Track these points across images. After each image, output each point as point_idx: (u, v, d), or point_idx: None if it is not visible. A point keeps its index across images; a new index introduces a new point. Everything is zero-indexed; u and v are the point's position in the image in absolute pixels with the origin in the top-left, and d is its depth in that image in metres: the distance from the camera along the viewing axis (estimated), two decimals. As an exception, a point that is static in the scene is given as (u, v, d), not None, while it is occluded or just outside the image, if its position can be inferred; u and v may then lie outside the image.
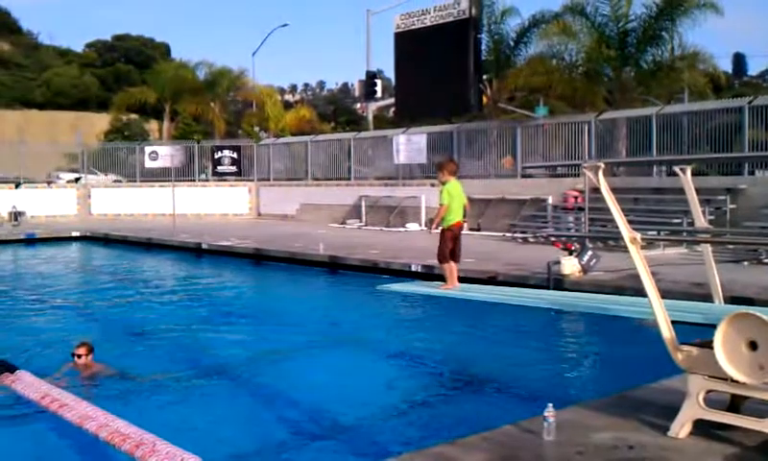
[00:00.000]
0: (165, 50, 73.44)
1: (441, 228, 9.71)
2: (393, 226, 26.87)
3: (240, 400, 8.10)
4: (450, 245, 9.48)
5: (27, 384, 7.41)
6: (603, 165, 5.24)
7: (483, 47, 29.47)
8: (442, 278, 10.09)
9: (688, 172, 6.16)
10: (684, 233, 13.19)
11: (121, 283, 18.40)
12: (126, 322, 13.02)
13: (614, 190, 5.20)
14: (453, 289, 9.46)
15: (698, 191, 6.34)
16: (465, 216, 9.95)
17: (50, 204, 32.00)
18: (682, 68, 26.53)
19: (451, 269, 9.60)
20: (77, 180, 32.73)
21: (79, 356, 8.83)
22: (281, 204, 33.74)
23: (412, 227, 26.25)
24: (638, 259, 5.03)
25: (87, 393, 7.84)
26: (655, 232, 12.84)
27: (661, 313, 5.01)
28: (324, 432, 6.96)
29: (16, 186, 29.77)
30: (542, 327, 11.40)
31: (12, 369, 7.80)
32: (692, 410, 4.87)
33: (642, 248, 5.11)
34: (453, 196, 9.55)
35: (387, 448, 4.99)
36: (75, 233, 27.56)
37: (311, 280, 17.60)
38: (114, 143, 42.85)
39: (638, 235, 5.04)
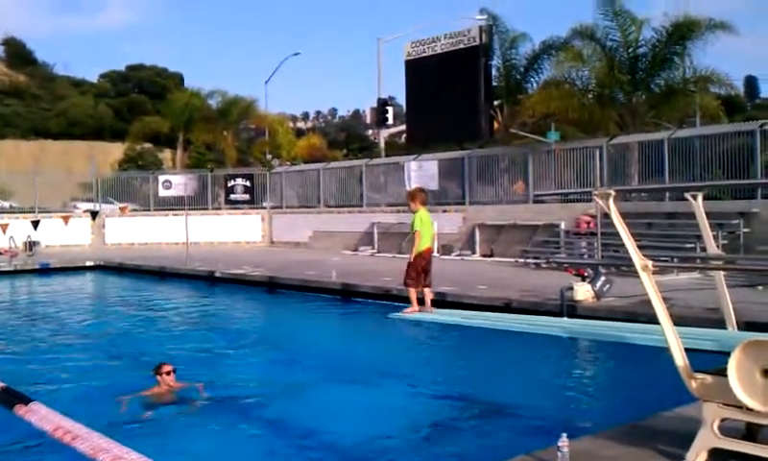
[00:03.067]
0: (179, 80, 74.02)
1: (412, 254, 10.06)
2: (405, 252, 26.80)
3: (253, 430, 8.08)
4: (419, 270, 9.76)
5: (41, 416, 7.42)
6: (614, 193, 5.24)
7: (494, 73, 29.64)
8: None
9: (700, 198, 6.14)
10: (698, 260, 13.12)
11: (134, 313, 18.44)
12: (139, 351, 13.04)
13: (627, 215, 5.20)
14: (418, 313, 9.79)
15: (711, 215, 6.32)
16: (432, 242, 10.36)
17: (64, 233, 32.18)
18: (694, 91, 26.53)
19: (414, 293, 9.89)
20: (94, 215, 32.98)
21: (168, 373, 9.17)
22: (294, 231, 33.82)
23: (424, 253, 26.21)
24: (650, 287, 5.01)
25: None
26: (667, 258, 12.77)
27: (674, 341, 4.98)
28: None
29: (35, 226, 29.99)
30: (555, 356, 11.34)
31: (26, 400, 7.82)
32: (707, 439, 4.83)
33: (654, 273, 5.09)
34: (424, 223, 9.90)
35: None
36: (89, 263, 27.71)
37: (324, 308, 17.60)
38: (128, 172, 43.15)
39: (650, 262, 5.02)
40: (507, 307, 13.74)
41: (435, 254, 24.93)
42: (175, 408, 8.94)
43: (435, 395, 9.45)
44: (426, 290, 10.04)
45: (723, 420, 4.81)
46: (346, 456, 7.15)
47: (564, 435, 4.87)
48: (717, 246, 6.60)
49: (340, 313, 17.31)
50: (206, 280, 22.41)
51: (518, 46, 29.86)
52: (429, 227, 10.15)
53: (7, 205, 37.56)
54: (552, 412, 8.17)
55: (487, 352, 11.55)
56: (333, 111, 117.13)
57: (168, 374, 9.23)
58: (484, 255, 24.98)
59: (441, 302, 14.71)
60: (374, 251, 28.53)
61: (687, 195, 6.27)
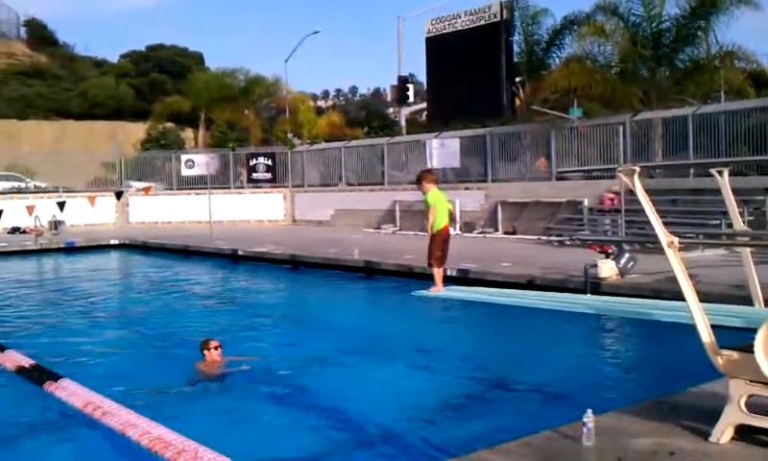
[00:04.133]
0: (199, 59, 73.95)
1: (431, 233, 10.01)
2: (427, 230, 26.80)
3: (278, 406, 8.17)
4: (441, 249, 9.72)
5: (70, 392, 7.54)
6: (638, 169, 5.21)
7: (515, 49, 29.42)
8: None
9: (725, 175, 6.10)
10: (723, 236, 13.02)
11: (159, 290, 18.62)
12: (165, 328, 13.19)
13: (651, 192, 5.17)
14: (438, 291, 9.75)
15: (736, 192, 6.27)
16: (451, 221, 10.24)
17: (89, 212, 32.46)
18: (719, 67, 26.21)
19: (438, 273, 9.84)
20: (119, 194, 33.30)
21: (215, 348, 9.38)
22: (316, 209, 33.90)
23: (446, 231, 26.19)
24: (676, 263, 4.99)
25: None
26: (692, 235, 12.69)
27: (701, 317, 4.97)
28: (363, 439, 7.00)
29: (61, 207, 30.33)
30: (581, 332, 11.34)
31: (55, 377, 7.95)
32: (734, 415, 4.83)
33: (680, 250, 5.07)
34: (437, 201, 9.82)
35: (427, 455, 5.01)
36: (113, 242, 27.95)
37: (347, 286, 17.67)
38: (151, 152, 43.32)
39: (676, 239, 5.01)
40: (530, 284, 13.73)
41: (457, 231, 25.12)
42: (221, 382, 9.07)
43: (459, 371, 9.48)
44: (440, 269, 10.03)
45: (750, 396, 4.81)
46: (371, 432, 7.21)
47: (590, 411, 4.89)
48: (743, 222, 6.55)
49: (363, 291, 17.38)
50: (230, 259, 22.56)
51: (540, 22, 29.60)
52: (444, 205, 10.12)
53: (31, 184, 37.85)
54: (577, 388, 8.18)
55: (511, 329, 11.57)
56: (354, 90, 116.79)
57: (215, 348, 9.42)
58: (506, 233, 24.91)
59: (463, 279, 14.76)
60: (396, 228, 28.55)
61: (713, 171, 6.23)
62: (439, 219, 9.69)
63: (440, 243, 9.65)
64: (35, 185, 37.60)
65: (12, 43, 76.34)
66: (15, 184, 37.29)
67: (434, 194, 9.96)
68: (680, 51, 25.67)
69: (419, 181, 10.37)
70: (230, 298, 17.41)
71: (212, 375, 9.26)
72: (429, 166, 29.14)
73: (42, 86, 67.78)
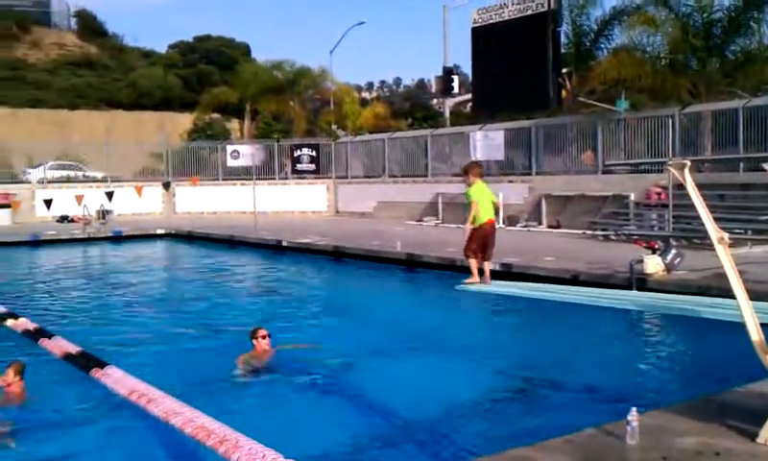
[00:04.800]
0: (245, 50, 74.57)
1: (473, 227, 9.84)
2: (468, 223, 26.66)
3: (319, 398, 8.20)
4: (479, 242, 9.57)
5: (116, 379, 7.66)
6: (689, 163, 5.11)
7: (562, 40, 29.06)
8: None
9: (778, 169, 5.97)
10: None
11: (205, 280, 18.83)
12: (210, 317, 13.34)
13: (699, 186, 5.08)
14: (476, 284, 9.62)
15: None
16: (496, 213, 10.06)
17: (136, 202, 32.97)
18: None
19: (475, 264, 9.71)
20: (166, 185, 33.90)
21: (264, 337, 9.52)
22: (359, 201, 33.97)
23: (490, 224, 26.05)
24: (726, 260, 4.90)
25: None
26: (741, 230, 12.44)
27: (750, 315, 4.86)
28: (403, 433, 7.00)
29: (109, 197, 30.93)
30: (626, 328, 11.20)
31: (101, 364, 8.08)
32: (783, 416, 4.72)
33: (729, 246, 4.97)
34: (482, 194, 9.67)
35: (468, 451, 4.99)
36: (160, 231, 28.34)
37: (389, 278, 17.68)
38: (197, 142, 43.78)
39: (726, 235, 4.91)
40: (575, 280, 13.58)
41: (500, 225, 24.98)
42: (269, 371, 9.14)
43: (501, 367, 9.43)
44: (486, 263, 9.94)
45: (800, 397, 4.70)
46: (411, 424, 7.21)
47: (634, 409, 4.82)
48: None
49: (405, 283, 17.38)
50: (274, 249, 22.72)
51: (589, 12, 29.19)
52: (488, 198, 9.99)
53: (80, 174, 38.50)
54: (622, 386, 8.08)
55: (554, 325, 11.46)
56: (398, 81, 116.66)
57: (264, 338, 9.53)
58: (550, 227, 24.70)
59: (506, 273, 14.65)
60: (439, 221, 28.48)
61: (764, 165, 6.10)
62: (482, 213, 9.58)
63: (480, 237, 9.54)
64: (83, 175, 38.23)
65: (64, 34, 77.87)
66: (72, 173, 37.93)
67: (477, 188, 9.84)
68: (731, 42, 25.14)
69: (465, 172, 10.25)
70: (274, 288, 17.54)
71: (261, 364, 9.33)
72: (474, 158, 29.01)
73: (92, 77, 68.98)
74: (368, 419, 7.38)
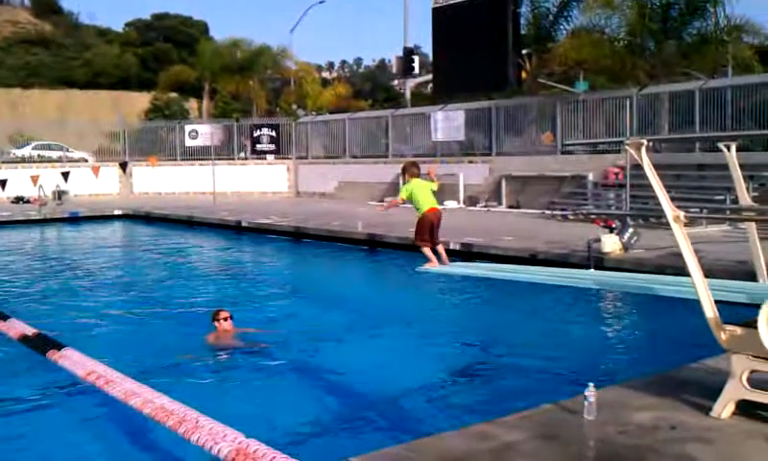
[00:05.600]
0: (204, 28, 73.58)
1: (418, 216, 9.97)
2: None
3: (280, 378, 8.19)
4: (426, 230, 9.71)
5: (74, 361, 7.56)
6: (646, 142, 5.17)
7: (522, 21, 29.15)
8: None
9: (733, 149, 6.06)
10: (728, 211, 12.98)
11: (163, 261, 18.65)
12: (169, 298, 13.22)
13: (656, 166, 5.14)
14: (434, 266, 9.72)
15: (742, 167, 6.22)
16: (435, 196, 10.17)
17: (93, 182, 32.45)
18: (726, 41, 25.97)
19: (428, 250, 9.82)
20: (123, 165, 33.47)
21: (225, 319, 9.48)
22: (320, 182, 33.86)
23: (450, 204, 26.16)
24: (682, 238, 4.97)
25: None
26: (697, 210, 12.64)
27: (705, 292, 4.95)
28: (365, 412, 7.03)
29: (65, 177, 30.41)
30: (582, 306, 11.34)
31: (58, 346, 7.96)
32: (735, 390, 4.82)
33: (685, 225, 5.04)
34: (414, 190, 9.74)
35: (429, 427, 5.03)
36: (117, 212, 27.97)
37: (350, 258, 17.68)
38: (155, 122, 43.22)
39: (682, 213, 4.98)
40: (533, 259, 13.71)
41: (461, 205, 25.08)
42: (231, 352, 9.09)
43: (461, 344, 9.51)
44: (438, 247, 10.03)
45: (752, 372, 4.80)
46: (371, 402, 7.24)
47: (591, 385, 4.88)
48: (749, 198, 6.50)
49: (366, 263, 17.40)
50: (234, 230, 22.57)
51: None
52: (425, 192, 10.06)
53: (35, 153, 37.75)
54: (579, 362, 8.19)
55: (513, 304, 11.57)
56: (358, 61, 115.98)
57: (225, 319, 9.49)
58: (510, 207, 24.88)
59: (466, 253, 14.74)
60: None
61: (721, 145, 6.19)
62: (422, 204, 9.67)
63: (425, 225, 9.66)
64: (38, 155, 37.49)
65: (17, 11, 76.14)
66: (56, 154, 37.04)
67: (411, 185, 9.91)
68: (688, 24, 25.45)
69: (402, 172, 10.33)
70: (235, 269, 17.44)
71: (223, 345, 9.28)
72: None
73: (46, 55, 67.60)
74: (329, 398, 7.40)
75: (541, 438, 4.61)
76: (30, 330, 8.88)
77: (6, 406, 7.37)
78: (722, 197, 16.84)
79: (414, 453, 4.41)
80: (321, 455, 4.73)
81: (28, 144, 36.73)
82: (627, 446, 4.49)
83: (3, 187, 30.66)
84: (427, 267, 9.94)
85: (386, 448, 4.55)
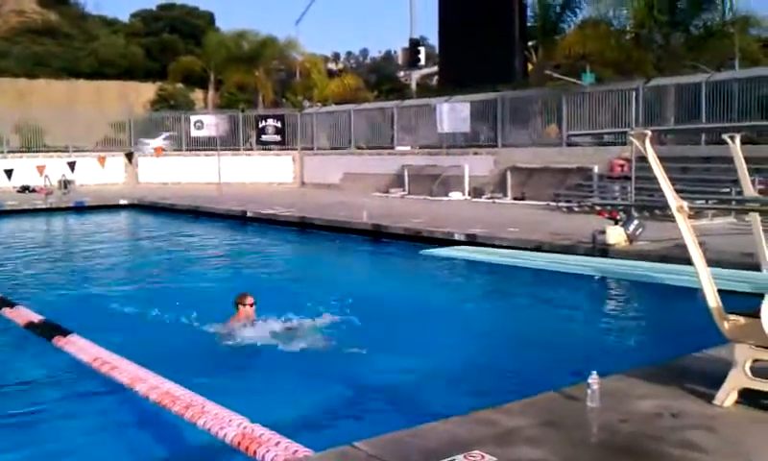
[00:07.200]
0: (210, 19, 73.48)
1: None
2: (435, 195, 26.82)
3: (286, 366, 8.22)
4: None
5: (79, 347, 7.62)
6: (650, 133, 5.18)
7: (528, 13, 29.14)
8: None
9: (737, 140, 6.07)
10: (732, 202, 12.98)
11: (169, 250, 18.70)
12: (175, 287, 13.26)
13: (662, 159, 5.14)
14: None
15: (748, 160, 6.24)
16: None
17: (99, 172, 32.48)
18: (733, 33, 25.91)
19: None
20: (129, 155, 33.53)
21: (251, 305, 9.40)
22: (325, 173, 33.87)
23: (455, 196, 26.18)
24: (685, 228, 4.99)
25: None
26: (702, 201, 12.64)
27: (708, 282, 4.97)
28: (370, 398, 7.08)
29: (71, 167, 30.47)
30: (587, 295, 11.36)
31: (64, 332, 8.03)
32: (738, 379, 4.85)
33: (689, 217, 5.06)
34: None
35: (432, 413, 5.06)
36: (123, 202, 28.02)
37: (355, 249, 17.72)
38: (160, 112, 43.21)
39: (686, 204, 5.00)
40: (538, 250, 13.72)
41: (466, 197, 25.07)
42: (250, 338, 9.10)
43: (466, 331, 9.53)
44: None
45: (754, 361, 4.82)
46: (376, 389, 7.30)
47: (595, 373, 4.91)
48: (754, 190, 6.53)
49: (371, 254, 17.44)
50: (239, 220, 22.61)
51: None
52: None
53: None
54: (582, 351, 8.21)
55: (517, 292, 11.60)
56: (364, 52, 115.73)
57: (251, 305, 9.43)
58: (515, 199, 24.86)
59: (471, 244, 14.75)
60: (405, 193, 28.51)
61: (725, 136, 6.20)
62: None
63: None
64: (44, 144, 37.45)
65: (23, 1, 76.04)
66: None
67: None
68: (695, 16, 25.39)
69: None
70: (239, 259, 17.48)
71: (243, 330, 9.22)
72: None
73: (53, 45, 67.64)
74: (335, 383, 7.43)
75: (545, 424, 4.65)
76: (36, 317, 8.98)
77: (12, 393, 7.41)
78: (728, 189, 16.81)
79: (419, 438, 4.44)
80: (326, 439, 4.76)
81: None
82: (630, 433, 4.52)
83: (9, 177, 30.75)
84: None
85: (391, 432, 4.58)
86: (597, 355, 7.83)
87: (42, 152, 34.58)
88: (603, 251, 12.92)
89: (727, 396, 4.87)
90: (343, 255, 17.63)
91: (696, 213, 13.91)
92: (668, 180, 5.03)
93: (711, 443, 4.35)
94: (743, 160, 6.10)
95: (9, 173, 30.76)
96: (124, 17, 77.29)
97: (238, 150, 36.34)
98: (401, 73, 70.21)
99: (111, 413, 6.82)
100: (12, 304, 9.76)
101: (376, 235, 18.05)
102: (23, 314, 9.23)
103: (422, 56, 40.17)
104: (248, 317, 9.42)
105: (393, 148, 31.60)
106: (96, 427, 6.49)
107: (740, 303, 5.16)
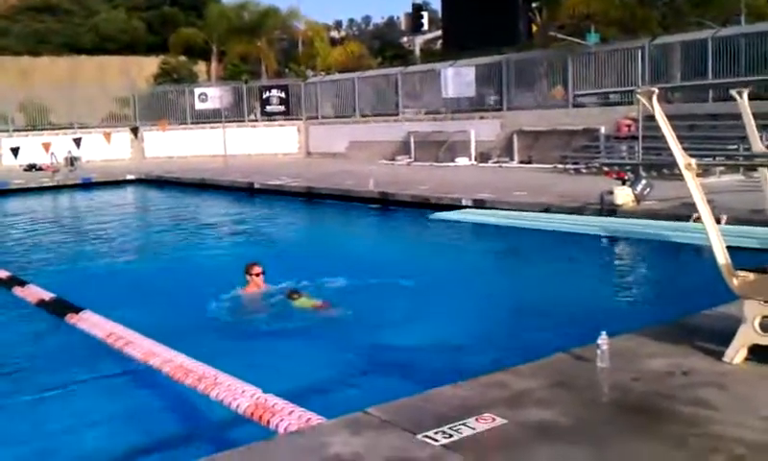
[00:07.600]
0: (211, -10, 73.12)
1: None
2: (442, 161, 26.75)
3: (297, 335, 8.27)
4: None
5: (92, 323, 7.67)
6: (657, 91, 5.15)
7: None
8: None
9: (745, 95, 6.03)
10: (740, 158, 12.90)
11: (177, 224, 18.73)
12: (185, 260, 13.32)
13: (669, 117, 5.11)
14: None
15: (755, 115, 6.20)
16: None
17: (104, 148, 32.48)
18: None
19: None
20: (135, 130, 33.50)
21: (258, 275, 9.43)
22: (330, 142, 33.79)
23: (461, 161, 26.11)
24: (693, 185, 4.97)
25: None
26: (710, 158, 12.57)
27: (717, 238, 4.96)
28: (382, 365, 7.12)
29: (77, 143, 30.49)
30: (595, 254, 11.35)
31: (77, 309, 8.08)
32: (748, 336, 4.85)
33: (698, 175, 5.04)
34: None
35: (443, 377, 5.08)
36: (130, 177, 28.05)
37: (363, 217, 17.73)
38: (163, 86, 43.07)
39: (694, 161, 4.97)
40: (546, 213, 13.70)
41: (472, 162, 25.00)
42: (261, 308, 9.14)
43: (475, 296, 9.54)
44: None
45: (764, 317, 4.82)
46: (388, 355, 7.33)
47: (604, 333, 4.92)
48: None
49: (379, 221, 17.45)
50: (246, 191, 22.62)
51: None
52: None
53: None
54: (592, 311, 8.22)
55: (526, 253, 11.60)
56: (367, 19, 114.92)
57: (258, 275, 9.46)
58: (522, 162, 24.78)
59: (479, 208, 14.74)
60: (411, 160, 28.44)
61: (734, 92, 6.15)
62: None
63: None
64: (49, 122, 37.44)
65: (22, -22, 75.57)
66: None
67: None
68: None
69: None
70: (248, 230, 17.51)
71: (252, 299, 9.32)
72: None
73: (53, 22, 67.36)
74: (346, 351, 7.47)
75: (556, 385, 4.67)
76: (47, 295, 9.03)
77: (25, 371, 7.46)
78: (735, 146, 16.71)
79: (430, 403, 4.47)
80: (339, 406, 4.79)
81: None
82: (641, 392, 4.54)
83: (15, 155, 30.79)
84: None
85: (403, 397, 4.62)
86: (606, 315, 7.84)
87: (47, 130, 34.57)
88: (611, 211, 12.88)
89: (736, 353, 4.88)
90: (350, 224, 17.65)
91: (704, 171, 13.84)
92: (676, 137, 5.01)
93: (722, 400, 4.36)
94: (751, 115, 6.06)
95: (15, 151, 30.80)
96: (124, -9, 76.81)
97: (243, 121, 36.25)
98: (405, 39, 69.79)
99: (125, 388, 6.88)
100: (23, 283, 9.81)
101: (384, 203, 18.04)
102: (34, 292, 9.28)
103: (425, 20, 40.03)
104: (257, 287, 9.46)
105: (398, 115, 31.47)
106: (110, 403, 6.53)
107: (749, 259, 5.15)
